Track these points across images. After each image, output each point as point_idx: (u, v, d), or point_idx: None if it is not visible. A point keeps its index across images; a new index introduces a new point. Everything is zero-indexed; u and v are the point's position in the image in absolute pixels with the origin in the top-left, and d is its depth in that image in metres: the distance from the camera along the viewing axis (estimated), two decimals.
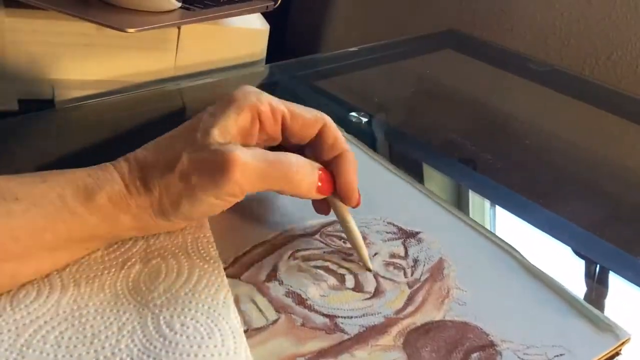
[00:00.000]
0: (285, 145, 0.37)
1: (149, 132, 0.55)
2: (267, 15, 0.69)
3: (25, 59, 0.60)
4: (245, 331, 0.31)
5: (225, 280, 0.34)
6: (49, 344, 0.29)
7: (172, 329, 0.30)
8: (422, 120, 0.57)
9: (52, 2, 0.57)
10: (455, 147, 0.50)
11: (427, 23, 0.88)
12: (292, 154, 0.34)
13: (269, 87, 0.66)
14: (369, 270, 0.36)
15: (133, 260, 0.34)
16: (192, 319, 0.31)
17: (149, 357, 0.28)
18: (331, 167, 0.35)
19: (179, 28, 0.66)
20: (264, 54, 0.70)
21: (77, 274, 0.33)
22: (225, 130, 0.33)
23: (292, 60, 0.68)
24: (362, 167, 0.40)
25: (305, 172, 0.33)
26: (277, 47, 0.72)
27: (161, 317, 0.30)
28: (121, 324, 0.30)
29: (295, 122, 0.35)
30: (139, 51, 0.64)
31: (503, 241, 0.39)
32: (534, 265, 0.37)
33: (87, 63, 0.63)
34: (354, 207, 0.36)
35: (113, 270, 0.33)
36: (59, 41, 0.61)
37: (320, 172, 0.34)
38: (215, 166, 0.31)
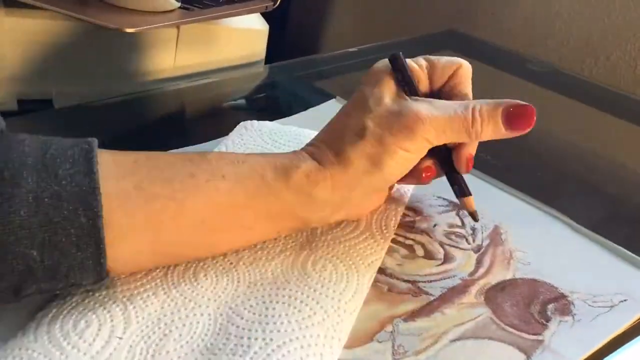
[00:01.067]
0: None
1: (149, 132, 0.57)
2: (266, 16, 0.72)
3: (24, 59, 0.61)
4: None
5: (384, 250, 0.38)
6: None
7: (314, 266, 0.36)
8: None
9: (52, 3, 0.59)
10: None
11: (427, 23, 0.92)
12: (471, 101, 0.38)
13: (268, 87, 0.69)
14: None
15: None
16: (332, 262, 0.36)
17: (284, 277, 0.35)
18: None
19: (178, 28, 0.68)
20: (263, 54, 0.73)
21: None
22: (392, 94, 0.37)
23: (291, 61, 0.70)
24: None
25: (484, 115, 0.36)
26: (276, 48, 0.75)
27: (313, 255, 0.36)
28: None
29: (435, 67, 0.39)
30: (139, 51, 0.66)
31: (548, 207, 0.44)
32: (580, 226, 0.42)
33: (87, 63, 0.64)
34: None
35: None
36: (58, 41, 0.62)
37: (504, 106, 0.37)
38: (406, 123, 0.35)
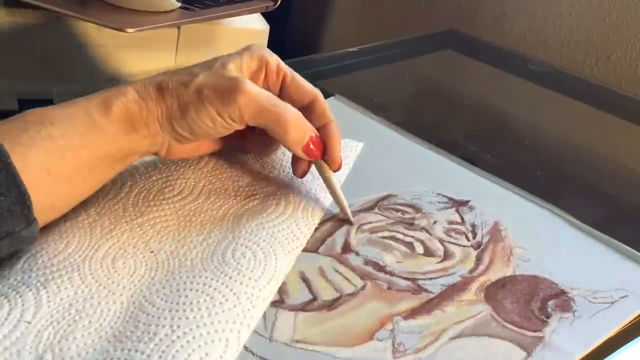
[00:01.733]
0: None
1: None
2: (267, 16, 0.72)
3: (25, 59, 0.61)
4: (339, 298, 0.35)
5: (307, 237, 0.39)
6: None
7: (233, 255, 0.35)
8: (422, 121, 0.60)
9: (52, 2, 0.59)
10: (455, 147, 0.52)
11: (427, 23, 0.92)
12: (295, 109, 0.38)
13: None
14: (351, 223, 0.40)
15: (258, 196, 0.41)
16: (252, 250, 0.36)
17: (203, 265, 0.35)
18: (320, 135, 0.40)
19: (178, 28, 0.68)
20: None
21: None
22: (239, 67, 0.39)
23: (291, 60, 0.70)
24: (398, 146, 0.45)
25: (298, 125, 0.38)
26: (276, 47, 0.75)
27: (233, 243, 0.36)
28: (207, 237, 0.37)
29: (293, 85, 0.41)
30: (139, 51, 0.66)
31: (549, 204, 0.44)
32: (581, 223, 0.42)
33: (87, 63, 0.64)
34: (335, 171, 0.41)
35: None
36: (59, 41, 0.62)
37: (313, 134, 0.39)
38: (227, 87, 0.36)
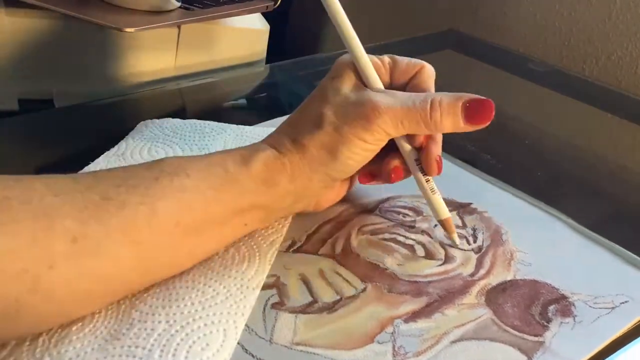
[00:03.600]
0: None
1: None
2: (267, 15, 0.72)
3: (25, 59, 0.60)
4: (339, 300, 0.35)
5: (284, 231, 0.39)
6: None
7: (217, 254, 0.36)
8: None
9: (52, 2, 0.58)
10: (455, 147, 0.52)
11: (428, 23, 0.91)
12: (432, 93, 0.37)
13: (269, 87, 0.68)
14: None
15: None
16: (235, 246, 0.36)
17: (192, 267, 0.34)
18: None
19: (179, 28, 0.68)
20: (264, 54, 0.73)
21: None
22: (351, 85, 0.37)
23: (292, 60, 0.70)
24: None
25: (444, 108, 0.36)
26: (277, 47, 0.75)
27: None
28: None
29: (397, 65, 0.39)
30: (139, 51, 0.66)
31: (550, 207, 0.44)
32: (581, 227, 0.42)
33: (87, 63, 0.64)
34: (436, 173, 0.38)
35: None
36: (59, 41, 0.62)
37: (465, 99, 0.36)
38: (363, 113, 0.35)
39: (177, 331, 0.30)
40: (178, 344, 0.30)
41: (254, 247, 0.37)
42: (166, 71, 0.68)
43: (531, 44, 0.79)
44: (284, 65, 0.70)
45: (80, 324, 0.31)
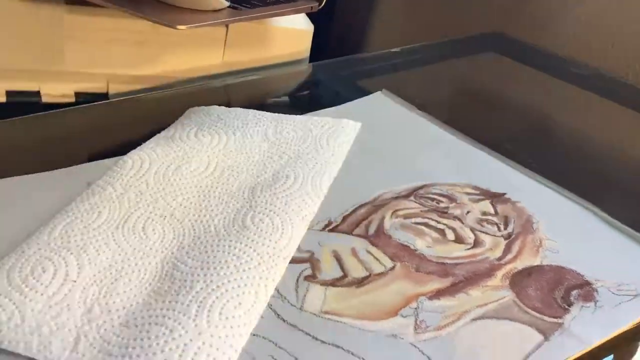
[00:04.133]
0: None
1: None
2: (311, 15, 0.74)
3: (82, 55, 0.64)
4: (368, 276, 0.37)
5: (317, 204, 0.42)
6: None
7: (252, 221, 0.39)
8: (463, 121, 0.59)
9: (111, 0, 0.63)
10: (496, 147, 0.52)
11: (472, 25, 0.91)
12: None
13: (311, 85, 0.71)
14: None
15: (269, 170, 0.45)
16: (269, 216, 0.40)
17: (226, 231, 0.38)
18: None
19: (227, 26, 0.71)
20: (307, 53, 0.74)
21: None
22: None
23: (335, 60, 0.72)
24: (440, 140, 0.48)
25: None
26: (321, 46, 0.77)
27: (251, 212, 0.40)
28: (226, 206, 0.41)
29: None
30: (188, 48, 0.69)
31: (583, 200, 0.45)
32: (611, 218, 0.43)
33: (140, 59, 0.68)
34: None
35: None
36: (114, 37, 0.66)
37: None
38: None
39: (213, 290, 0.33)
40: (213, 302, 0.33)
41: (288, 219, 0.40)
42: (214, 68, 0.71)
43: (575, 47, 0.79)
44: (327, 64, 0.72)
45: (128, 279, 0.34)
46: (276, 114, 0.53)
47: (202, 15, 0.65)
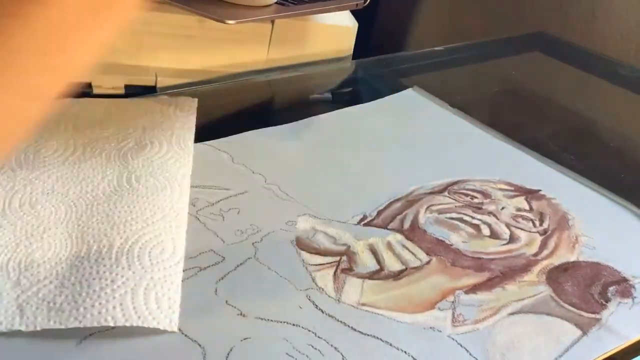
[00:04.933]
0: None
1: (239, 120, 0.61)
2: (355, 12, 0.75)
3: (131, 48, 0.66)
4: (404, 270, 0.37)
5: (190, 163, 0.45)
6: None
7: (137, 181, 0.42)
8: (505, 120, 0.59)
9: None
10: (537, 146, 0.52)
11: (517, 25, 0.90)
12: None
13: (354, 82, 0.71)
14: None
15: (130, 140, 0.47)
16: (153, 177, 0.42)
17: (116, 194, 0.41)
18: None
19: (272, 23, 0.72)
20: (351, 50, 0.75)
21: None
22: None
23: (377, 57, 0.73)
24: (471, 136, 0.49)
25: None
26: (364, 44, 0.77)
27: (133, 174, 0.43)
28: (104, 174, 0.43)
29: None
30: (234, 43, 0.70)
31: (620, 198, 0.45)
32: None
33: (187, 53, 0.69)
34: None
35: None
36: (162, 32, 0.67)
37: None
38: None
39: (134, 242, 0.36)
40: (139, 251, 0.35)
41: (170, 177, 0.42)
42: (259, 63, 0.72)
43: (621, 48, 0.78)
44: (370, 61, 0.73)
45: (42, 251, 0.35)
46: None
47: (250, 11, 0.66)
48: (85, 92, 0.60)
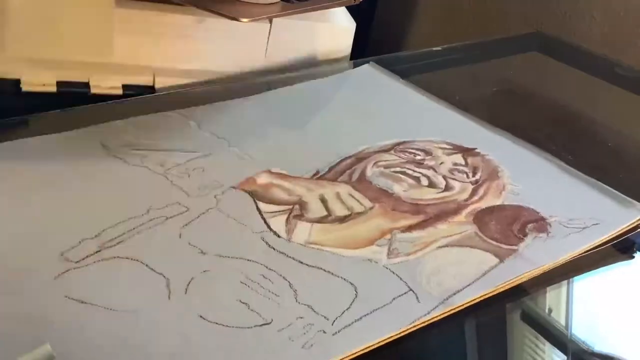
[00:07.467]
0: None
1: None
2: (353, 12, 0.75)
3: (130, 48, 0.64)
4: (349, 215, 0.42)
5: None
6: None
7: None
8: (504, 120, 0.59)
9: None
10: (535, 144, 0.53)
11: (514, 25, 0.91)
12: None
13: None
14: None
15: None
16: None
17: None
18: None
19: (270, 22, 0.72)
20: (349, 51, 0.75)
21: None
22: None
23: (375, 57, 0.72)
24: (421, 105, 0.52)
25: None
26: (361, 45, 0.77)
27: None
28: None
29: None
30: (233, 44, 0.71)
31: (546, 153, 0.50)
32: (571, 168, 0.48)
33: (185, 53, 0.67)
34: None
35: None
36: (160, 32, 0.65)
37: None
38: None
39: None
40: None
41: None
42: (256, 64, 0.70)
43: (620, 48, 0.79)
44: (368, 62, 0.72)
45: None
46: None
47: (258, 9, 0.64)
48: (82, 92, 0.60)
